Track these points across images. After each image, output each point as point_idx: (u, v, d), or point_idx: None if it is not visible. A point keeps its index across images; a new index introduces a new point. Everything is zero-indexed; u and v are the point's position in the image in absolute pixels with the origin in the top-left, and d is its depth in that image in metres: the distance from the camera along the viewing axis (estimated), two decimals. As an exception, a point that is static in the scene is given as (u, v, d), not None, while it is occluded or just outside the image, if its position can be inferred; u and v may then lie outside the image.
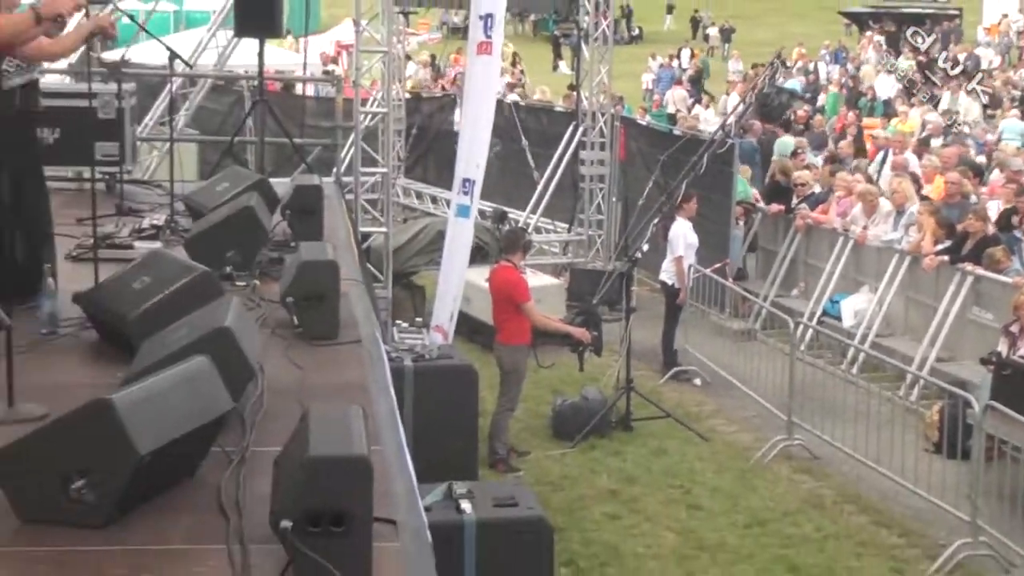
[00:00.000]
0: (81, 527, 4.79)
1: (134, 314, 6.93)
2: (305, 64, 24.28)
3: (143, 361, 6.02)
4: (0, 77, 7.95)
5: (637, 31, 51.98)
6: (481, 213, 16.20)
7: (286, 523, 4.39)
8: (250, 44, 15.73)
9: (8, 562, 4.60)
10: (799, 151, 20.98)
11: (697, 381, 15.08)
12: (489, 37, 13.56)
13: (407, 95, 25.14)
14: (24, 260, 8.11)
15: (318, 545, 4.36)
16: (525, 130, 21.10)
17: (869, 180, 17.91)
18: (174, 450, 5.03)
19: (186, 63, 12.94)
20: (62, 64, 13.42)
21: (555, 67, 42.33)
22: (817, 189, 17.92)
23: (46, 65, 9.37)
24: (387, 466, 5.37)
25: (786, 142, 22.14)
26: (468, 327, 15.01)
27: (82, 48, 9.39)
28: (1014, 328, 12.28)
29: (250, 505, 5.01)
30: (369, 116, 17.47)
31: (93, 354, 7.15)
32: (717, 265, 16.59)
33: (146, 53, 21.10)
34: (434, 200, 21.20)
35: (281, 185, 10.67)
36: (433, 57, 35.00)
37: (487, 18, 13.45)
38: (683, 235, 15.13)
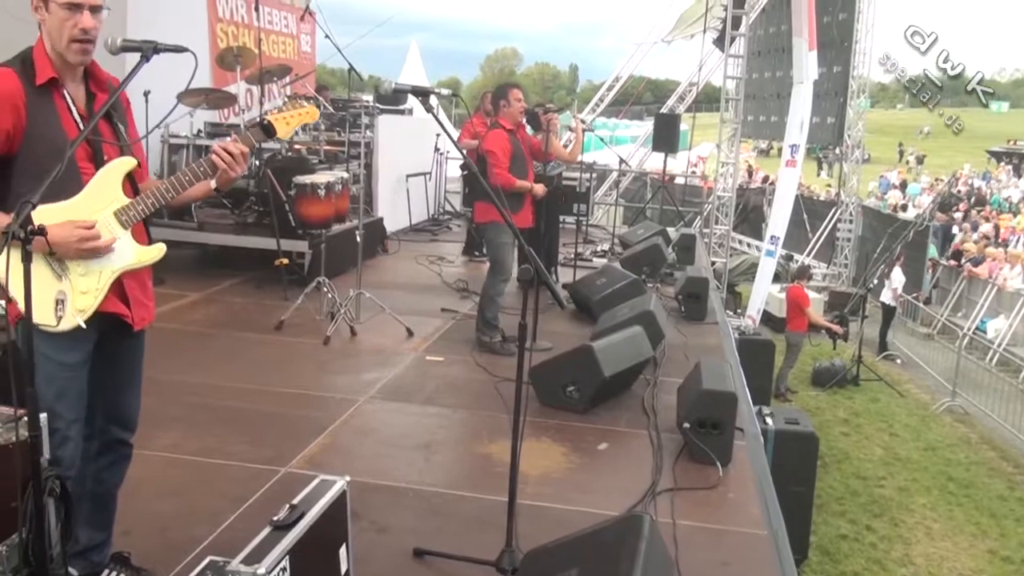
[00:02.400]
0: (571, 411, 4.76)
1: (597, 298, 6.88)
2: (686, 168, 23.86)
3: (602, 324, 5.92)
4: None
5: (868, 156, 48.45)
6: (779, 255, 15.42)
7: (687, 424, 4.20)
8: (657, 155, 15.62)
9: (530, 428, 4.58)
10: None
11: (899, 360, 13.84)
12: (793, 157, 12.87)
13: (739, 186, 24.19)
14: (545, 263, 8.21)
15: (703, 439, 4.14)
16: (804, 209, 19.94)
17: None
18: (620, 375, 4.92)
19: (626, 163, 12.94)
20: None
21: (818, 174, 39.95)
22: (975, 254, 16.18)
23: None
24: (740, 396, 5.06)
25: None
26: (767, 318, 14.25)
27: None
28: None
29: (660, 409, 4.82)
30: (718, 198, 16.87)
31: (575, 318, 7.09)
32: (915, 294, 15.58)
33: (600, 157, 21.28)
34: (749, 245, 20.20)
35: (672, 232, 10.41)
36: (750, 166, 33.69)
37: (793, 147, 12.78)
38: (898, 276, 13.95)
